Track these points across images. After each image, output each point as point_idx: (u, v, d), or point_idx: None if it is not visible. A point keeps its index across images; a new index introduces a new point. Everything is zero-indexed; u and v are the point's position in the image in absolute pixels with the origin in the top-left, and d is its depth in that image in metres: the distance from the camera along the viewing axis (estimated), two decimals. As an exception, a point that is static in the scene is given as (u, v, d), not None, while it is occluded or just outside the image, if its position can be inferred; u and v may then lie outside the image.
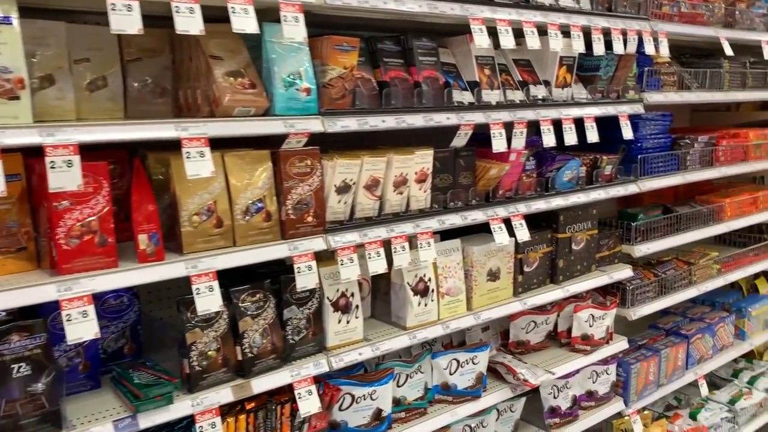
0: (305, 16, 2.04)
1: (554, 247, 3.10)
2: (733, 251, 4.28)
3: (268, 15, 2.04)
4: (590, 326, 3.25)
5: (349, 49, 2.16)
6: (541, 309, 3.22)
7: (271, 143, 2.14)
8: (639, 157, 3.35)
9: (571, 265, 3.17)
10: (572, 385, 3.29)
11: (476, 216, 2.65)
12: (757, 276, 4.80)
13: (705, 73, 3.67)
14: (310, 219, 2.16)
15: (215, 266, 1.95)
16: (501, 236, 2.67)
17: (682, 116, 4.91)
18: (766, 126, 4.51)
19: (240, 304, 2.09)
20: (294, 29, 1.98)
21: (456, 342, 3.08)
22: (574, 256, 3.18)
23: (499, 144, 2.60)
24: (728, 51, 3.59)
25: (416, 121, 2.38)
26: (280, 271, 2.22)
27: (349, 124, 2.20)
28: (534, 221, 3.07)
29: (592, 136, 2.98)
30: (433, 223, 2.51)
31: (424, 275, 2.57)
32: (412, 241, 2.45)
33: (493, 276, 2.82)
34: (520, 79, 2.82)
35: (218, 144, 1.99)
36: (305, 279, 2.11)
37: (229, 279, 2.08)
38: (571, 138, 2.88)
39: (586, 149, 3.18)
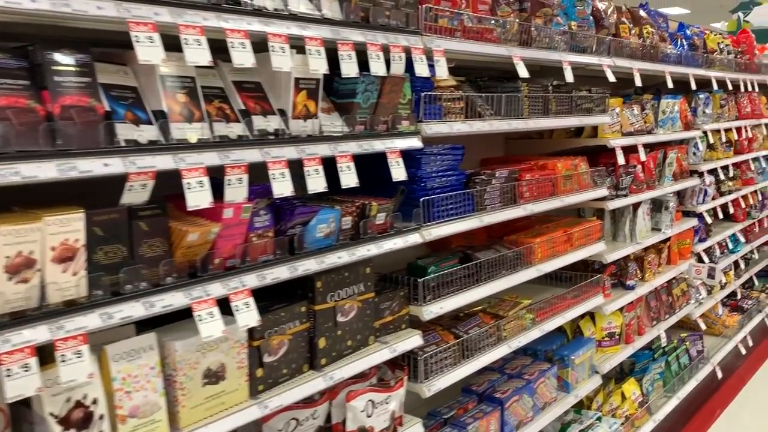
0: None
1: (312, 323, 2.40)
2: (553, 292, 3.84)
3: None
4: (369, 416, 2.57)
5: None
6: (305, 401, 2.51)
7: None
8: (422, 200, 2.75)
9: (337, 343, 2.48)
10: (353, 492, 2.60)
11: (173, 300, 1.87)
12: (583, 315, 4.41)
13: (500, 99, 3.17)
14: None
15: None
16: (211, 326, 1.92)
17: (495, 145, 4.48)
18: (582, 154, 4.16)
19: None
20: None
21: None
22: (342, 330, 2.50)
23: (197, 198, 1.86)
24: (523, 72, 3.12)
25: (43, 172, 1.58)
26: None
27: None
28: (285, 291, 2.36)
29: (349, 179, 2.33)
30: (93, 321, 1.70)
31: (84, 397, 1.74)
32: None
33: (214, 377, 2.06)
34: (243, 107, 2.11)
35: None
36: None
37: None
38: (317, 183, 2.21)
39: (360, 194, 2.54)
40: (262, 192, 2.14)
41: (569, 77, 3.48)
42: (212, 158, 1.92)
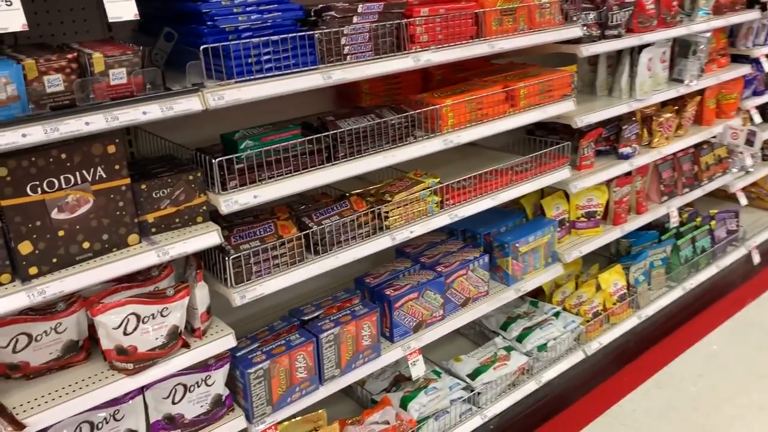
0: None
1: (3, 223, 1.79)
2: (508, 160, 2.98)
3: None
4: (127, 334, 2.02)
5: None
6: (43, 312, 1.99)
7: None
8: (202, 48, 1.95)
9: (59, 247, 1.87)
10: (127, 415, 2.15)
11: None
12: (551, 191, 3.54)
13: None
14: None
15: None
16: None
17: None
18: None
19: None
20: None
21: None
22: (66, 229, 1.87)
23: None
24: None
25: None
26: None
27: None
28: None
29: None
30: None
31: None
32: None
33: None
34: None
35: None
36: None
37: None
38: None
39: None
40: None
41: None
42: None
